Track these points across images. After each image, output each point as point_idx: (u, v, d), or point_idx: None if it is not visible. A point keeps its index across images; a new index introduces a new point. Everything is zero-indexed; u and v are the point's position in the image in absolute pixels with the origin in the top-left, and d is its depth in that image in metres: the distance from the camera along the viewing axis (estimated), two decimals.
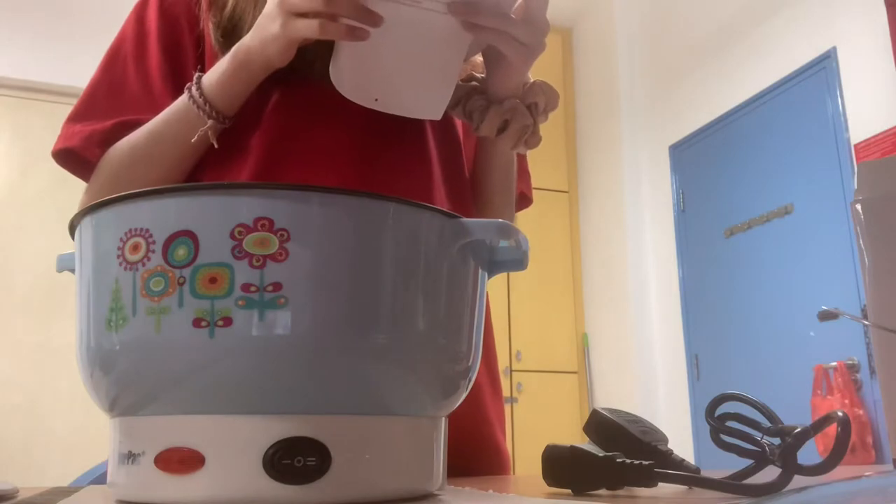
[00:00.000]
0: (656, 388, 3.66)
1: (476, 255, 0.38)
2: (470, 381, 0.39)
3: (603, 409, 0.44)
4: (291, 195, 0.32)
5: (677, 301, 3.61)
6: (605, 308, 3.98)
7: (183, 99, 0.65)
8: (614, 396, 3.81)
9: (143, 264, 0.32)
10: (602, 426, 0.43)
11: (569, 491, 0.40)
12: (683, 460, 0.40)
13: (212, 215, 0.32)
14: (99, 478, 0.97)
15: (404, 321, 0.34)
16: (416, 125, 0.71)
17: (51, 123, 3.30)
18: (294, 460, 0.31)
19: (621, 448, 0.40)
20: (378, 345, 0.33)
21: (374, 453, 0.34)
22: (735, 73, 3.39)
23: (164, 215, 0.32)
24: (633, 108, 4.04)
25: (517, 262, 0.40)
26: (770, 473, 0.38)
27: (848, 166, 2.79)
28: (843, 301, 2.73)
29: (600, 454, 0.39)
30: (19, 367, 3.16)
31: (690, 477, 0.36)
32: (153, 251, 0.32)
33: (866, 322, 0.45)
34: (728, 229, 3.38)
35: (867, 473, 0.52)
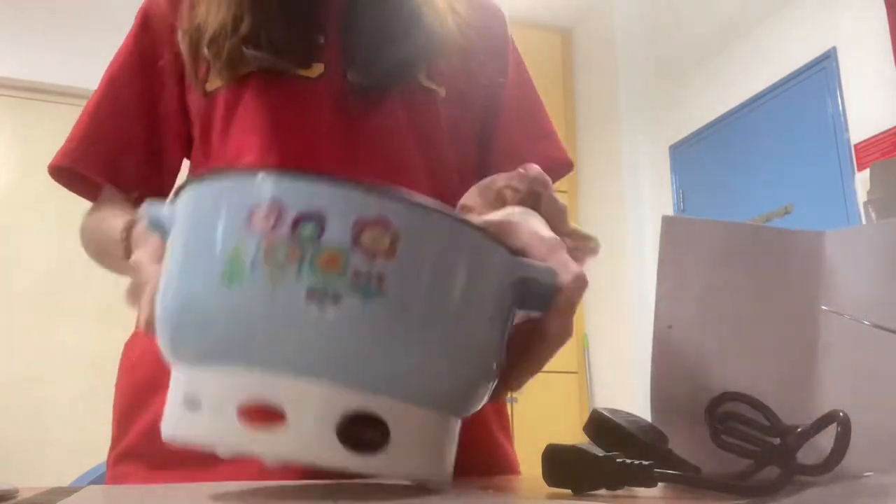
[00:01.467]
0: None
1: (520, 289, 0.42)
2: (493, 388, 0.43)
3: (603, 409, 0.44)
4: (413, 207, 0.37)
5: None
6: (605, 308, 3.98)
7: (118, 238, 0.63)
8: (614, 396, 3.81)
9: (272, 232, 0.35)
10: (602, 426, 0.43)
11: (569, 491, 0.40)
12: (684, 460, 0.40)
13: (342, 205, 0.35)
14: (98, 478, 0.97)
15: (467, 333, 0.39)
16: (389, 115, 0.69)
17: (52, 124, 3.29)
18: (361, 431, 0.35)
19: (621, 448, 0.40)
20: (446, 350, 0.38)
21: (422, 439, 0.38)
22: (735, 73, 3.39)
23: (300, 194, 0.35)
24: (633, 108, 4.04)
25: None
26: (770, 472, 0.38)
27: (848, 166, 2.79)
28: None
29: (600, 454, 0.39)
30: (19, 367, 3.16)
31: (690, 477, 0.36)
32: (284, 223, 0.35)
33: (866, 322, 0.45)
34: None
35: (867, 473, 0.52)
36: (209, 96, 0.68)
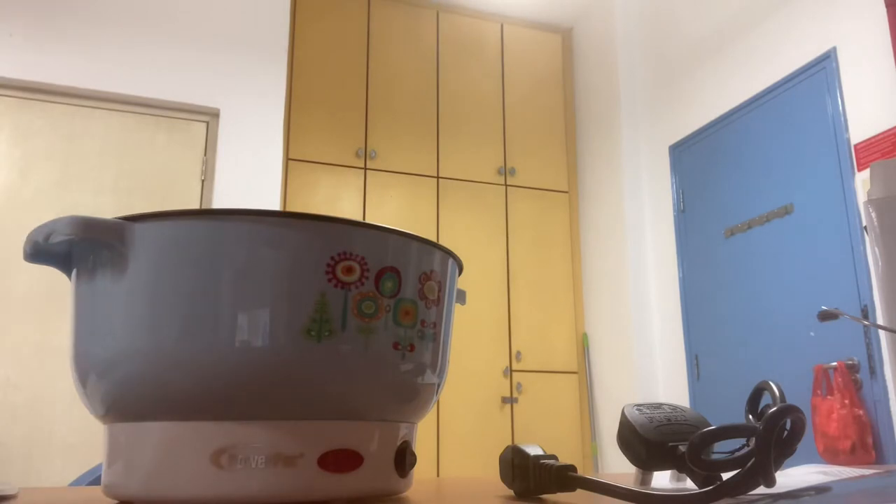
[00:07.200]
0: (656, 388, 3.66)
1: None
2: None
3: (634, 405, 0.43)
4: (447, 256, 0.41)
5: (677, 301, 3.61)
6: (605, 308, 3.98)
7: None
8: (614, 396, 3.81)
9: (357, 287, 0.36)
10: (623, 430, 0.42)
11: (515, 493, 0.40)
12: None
13: (413, 259, 0.38)
14: (98, 479, 0.97)
15: (447, 359, 0.44)
16: None
17: (51, 123, 3.29)
18: (405, 457, 0.40)
19: (640, 454, 0.39)
20: (439, 374, 0.42)
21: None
22: (735, 73, 3.39)
23: (379, 249, 0.37)
24: (633, 108, 4.04)
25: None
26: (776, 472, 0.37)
27: (848, 166, 2.79)
28: (843, 301, 2.72)
29: (532, 454, 0.38)
30: (19, 367, 3.16)
31: (605, 485, 0.33)
32: (367, 278, 0.36)
33: (866, 322, 0.45)
34: (728, 229, 3.38)
35: (867, 473, 0.52)
36: None
